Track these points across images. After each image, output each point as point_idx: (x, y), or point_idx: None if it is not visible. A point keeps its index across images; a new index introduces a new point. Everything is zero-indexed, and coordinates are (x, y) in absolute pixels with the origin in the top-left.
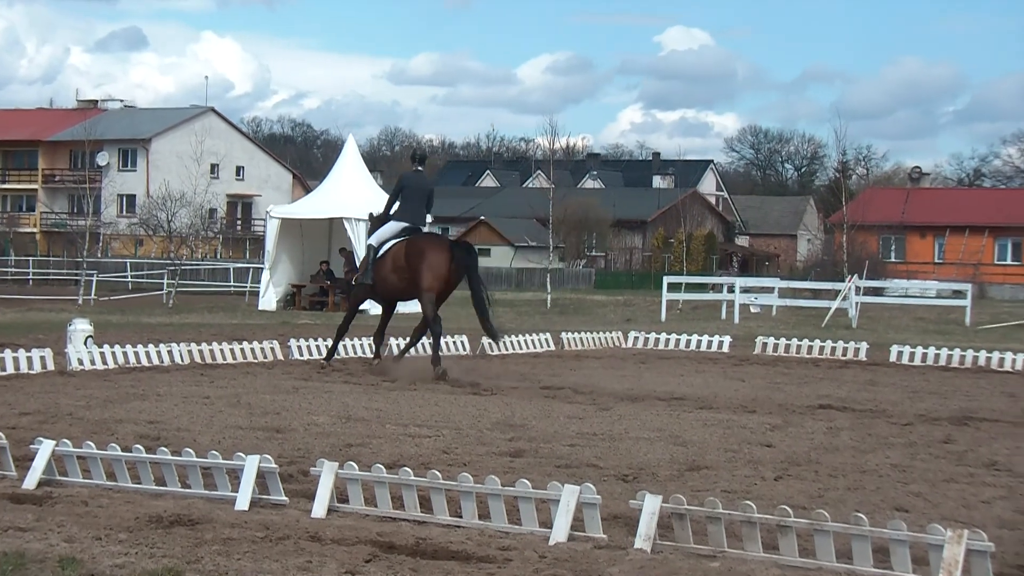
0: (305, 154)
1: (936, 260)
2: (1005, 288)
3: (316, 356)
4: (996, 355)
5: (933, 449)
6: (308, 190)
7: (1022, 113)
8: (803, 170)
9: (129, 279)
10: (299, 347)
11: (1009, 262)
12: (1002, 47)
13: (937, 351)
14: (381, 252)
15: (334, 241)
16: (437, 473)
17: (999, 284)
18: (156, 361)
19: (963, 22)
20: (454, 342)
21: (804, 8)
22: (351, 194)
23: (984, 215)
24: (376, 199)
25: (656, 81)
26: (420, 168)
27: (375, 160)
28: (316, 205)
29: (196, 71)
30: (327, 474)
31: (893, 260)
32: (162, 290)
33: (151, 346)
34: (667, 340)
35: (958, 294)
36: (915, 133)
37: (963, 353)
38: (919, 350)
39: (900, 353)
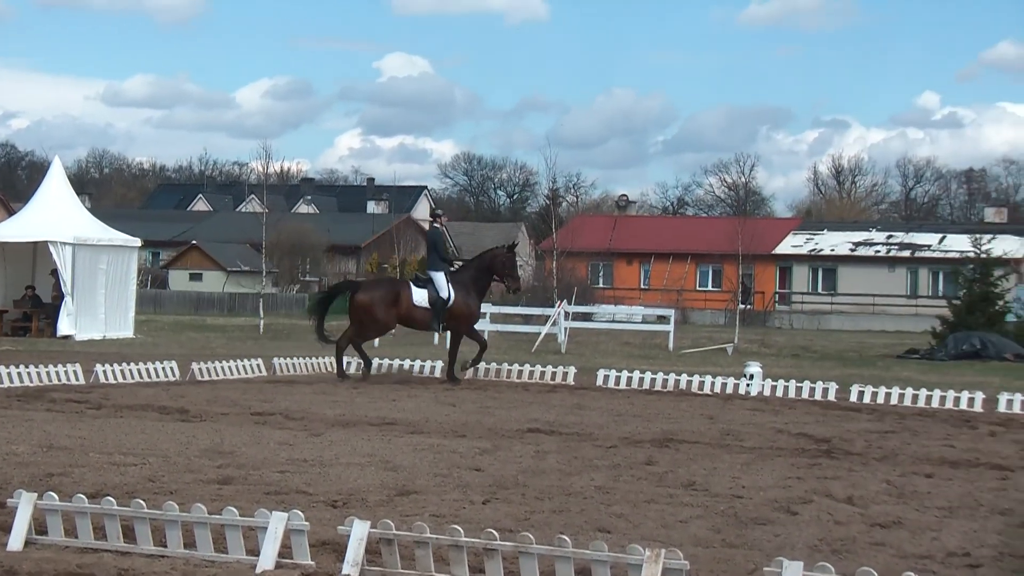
0: (8, 176)
1: (642, 286)
2: (706, 313)
3: (17, 383)
4: (696, 378)
5: (636, 471)
6: (11, 212)
7: (725, 144)
8: (515, 197)
9: None
10: (0, 374)
11: (710, 288)
12: (708, 80)
13: (641, 375)
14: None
15: (39, 265)
16: (141, 502)
17: (700, 309)
18: None
19: (674, 55)
20: (162, 367)
21: (522, 37)
22: (57, 217)
23: (687, 243)
24: (83, 222)
25: (375, 107)
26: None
27: (83, 183)
28: (20, 228)
29: None
30: (24, 505)
31: (601, 286)
32: None
33: None
34: (380, 365)
35: (662, 319)
36: (625, 162)
37: (665, 377)
38: (624, 374)
39: (607, 377)
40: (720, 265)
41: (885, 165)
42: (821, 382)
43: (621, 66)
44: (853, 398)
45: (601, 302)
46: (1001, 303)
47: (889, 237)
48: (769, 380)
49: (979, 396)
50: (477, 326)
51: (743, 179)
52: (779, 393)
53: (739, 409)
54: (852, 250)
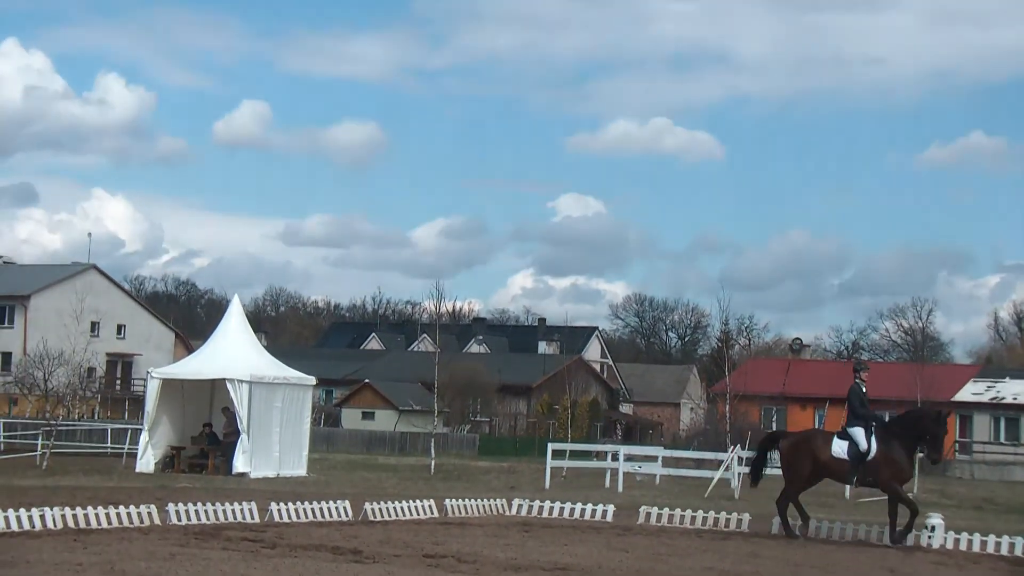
0: (188, 313)
1: None
2: None
3: (194, 521)
4: (876, 528)
5: None
6: (191, 350)
7: (901, 288)
8: (686, 339)
9: (1, 439)
10: (177, 511)
11: None
12: (886, 223)
13: (818, 523)
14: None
15: (216, 402)
16: None
17: None
18: (27, 526)
19: (851, 197)
20: (335, 507)
21: (696, 178)
22: (234, 355)
23: None
24: (259, 360)
25: (548, 247)
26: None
27: (260, 320)
28: (199, 365)
29: (86, 228)
30: None
31: (775, 431)
32: (36, 451)
33: (22, 510)
34: (551, 508)
35: None
36: (799, 305)
37: (843, 526)
38: (799, 522)
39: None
40: (896, 412)
41: None
42: (1007, 536)
43: (796, 207)
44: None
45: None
46: None
47: None
48: (952, 532)
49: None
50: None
51: (920, 324)
52: (963, 547)
53: (921, 562)
54: None
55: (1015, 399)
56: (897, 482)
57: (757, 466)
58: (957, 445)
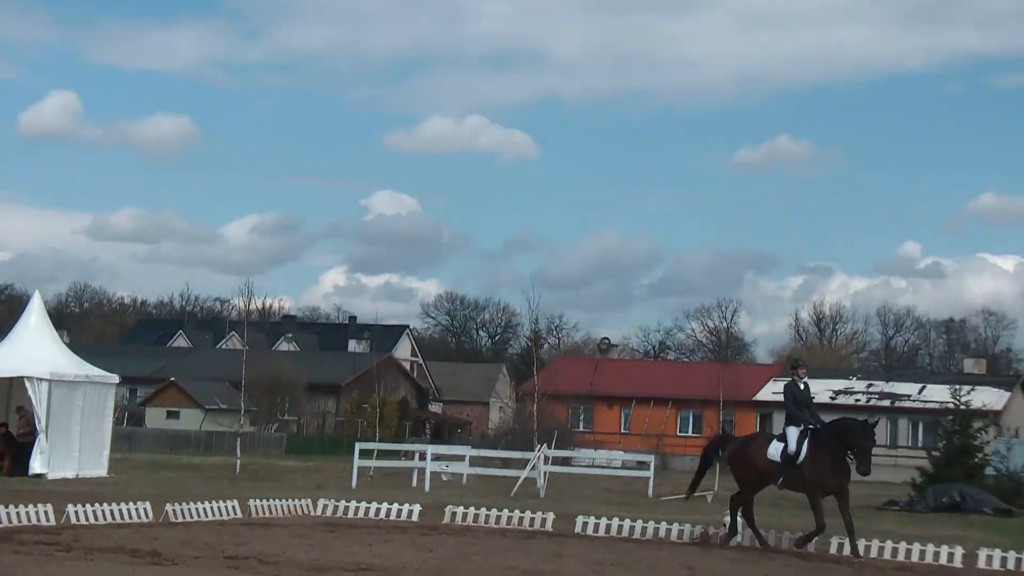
0: None
1: (622, 430)
2: (686, 459)
3: None
4: (676, 527)
5: None
6: None
7: (710, 288)
8: (497, 338)
9: None
10: None
11: (690, 433)
12: (696, 224)
13: (620, 522)
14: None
15: (14, 401)
16: None
17: (680, 455)
18: None
19: (662, 198)
20: (135, 508)
21: (511, 178)
22: (34, 352)
23: (668, 387)
24: (61, 358)
25: (362, 245)
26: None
27: (62, 317)
28: None
29: None
30: None
31: (582, 429)
32: None
33: None
34: (356, 508)
35: (642, 465)
36: (610, 305)
37: (645, 524)
38: (603, 521)
39: (585, 524)
40: (701, 410)
41: (866, 313)
42: (801, 531)
43: (609, 208)
44: (833, 550)
45: (581, 446)
46: (980, 456)
47: (869, 386)
48: (749, 529)
49: (959, 551)
50: None
51: (725, 324)
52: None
53: (719, 558)
54: (832, 398)
55: (813, 398)
56: (819, 489)
57: (699, 474)
58: None
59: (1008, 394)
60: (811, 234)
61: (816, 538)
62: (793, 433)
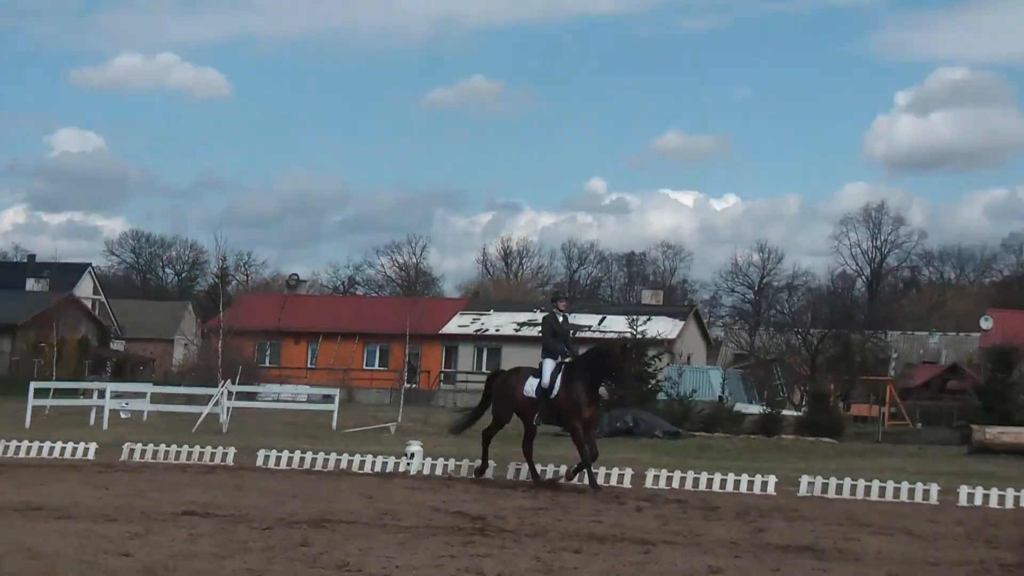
0: None
1: (309, 365)
2: (372, 392)
3: None
4: (357, 458)
5: (290, 552)
6: None
7: (401, 225)
8: (184, 275)
9: None
10: None
11: (376, 367)
12: (387, 162)
13: (302, 455)
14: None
15: None
16: None
17: (367, 388)
18: None
19: (353, 137)
20: None
21: (202, 116)
22: None
23: (355, 322)
24: None
25: (44, 182)
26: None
27: None
28: None
29: None
30: None
31: (268, 365)
32: None
33: None
34: (29, 447)
35: (327, 399)
36: (300, 242)
37: (326, 456)
38: (285, 454)
39: (267, 457)
40: (388, 344)
41: (552, 248)
42: (479, 460)
43: (301, 146)
44: (510, 475)
45: (268, 381)
46: (654, 382)
47: None
48: (430, 459)
49: (628, 472)
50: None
51: (414, 260)
52: (439, 471)
53: (398, 488)
54: (516, 330)
55: (498, 330)
56: (577, 420)
57: (477, 410)
58: (442, 375)
59: (682, 323)
60: (502, 172)
61: (585, 469)
62: (548, 366)
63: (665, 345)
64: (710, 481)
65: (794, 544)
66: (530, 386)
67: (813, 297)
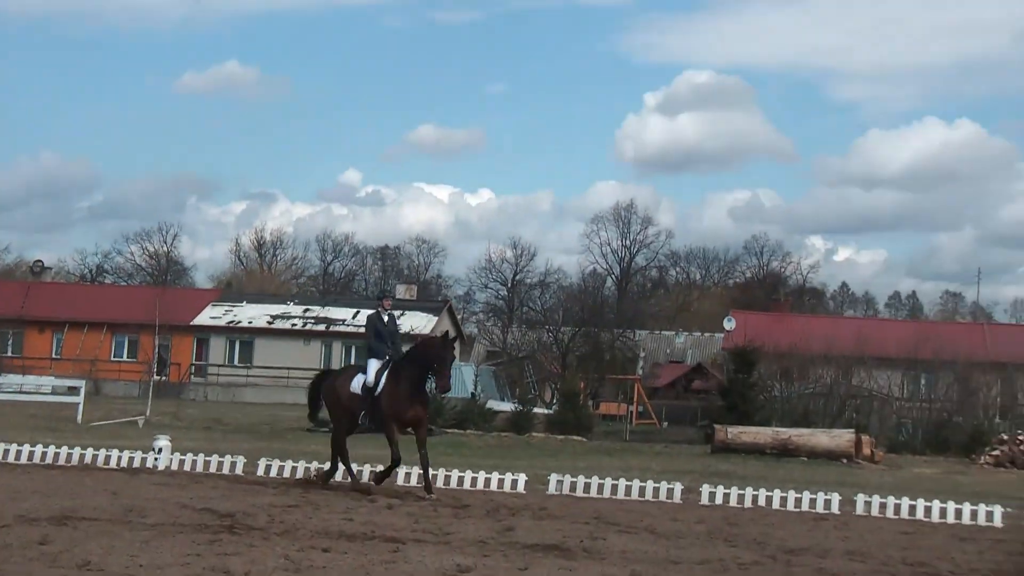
0: None
1: (54, 355)
2: (120, 384)
3: None
4: (103, 452)
5: (28, 551)
6: None
7: (153, 213)
8: None
9: None
10: None
11: (125, 358)
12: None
13: (44, 449)
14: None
15: None
16: None
17: (115, 380)
18: None
19: (104, 121)
20: None
21: None
22: None
23: (103, 311)
24: None
25: None
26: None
27: None
28: None
29: None
30: None
31: (11, 355)
32: None
33: None
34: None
35: (72, 390)
36: (46, 227)
37: (69, 451)
38: (25, 448)
39: (5, 451)
40: (137, 335)
41: (307, 239)
42: (230, 456)
43: (48, 128)
44: (260, 472)
45: (10, 372)
46: None
47: (306, 311)
48: (178, 454)
49: (379, 470)
50: None
51: (165, 249)
52: (187, 467)
53: (145, 484)
54: (269, 323)
55: (250, 323)
56: (396, 420)
57: (311, 407)
58: (193, 368)
59: (436, 318)
60: (256, 160)
61: (394, 471)
62: (373, 365)
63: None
64: (461, 479)
65: (542, 543)
66: (356, 383)
67: (565, 295)
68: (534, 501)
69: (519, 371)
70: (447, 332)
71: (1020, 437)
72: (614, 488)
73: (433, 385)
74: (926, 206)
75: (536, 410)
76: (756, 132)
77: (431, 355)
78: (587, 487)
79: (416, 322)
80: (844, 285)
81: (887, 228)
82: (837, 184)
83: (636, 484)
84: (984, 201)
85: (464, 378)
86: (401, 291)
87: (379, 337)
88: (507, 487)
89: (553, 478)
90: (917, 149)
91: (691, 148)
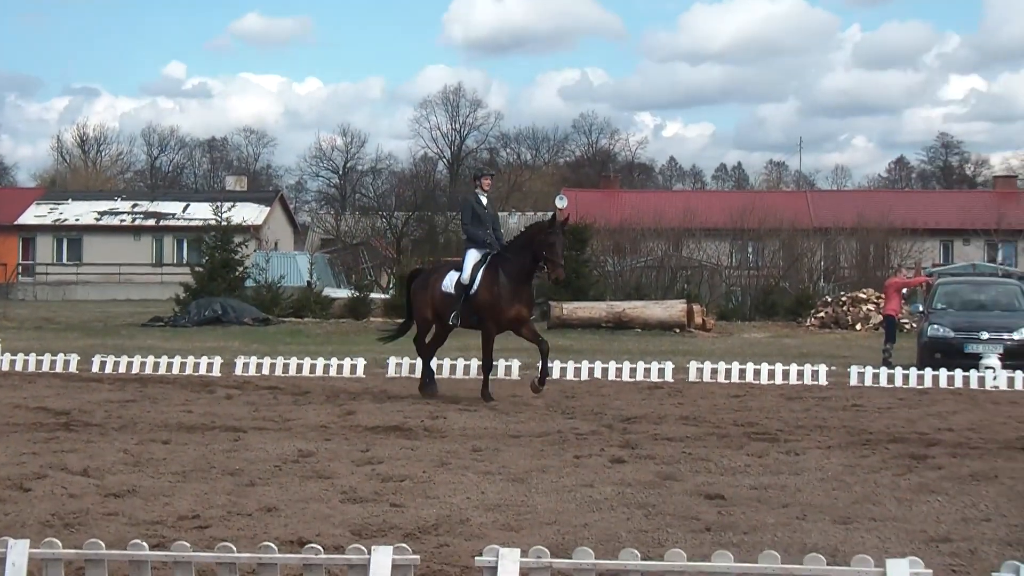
0: None
1: None
2: None
3: None
4: None
5: None
6: None
7: None
8: None
9: None
10: None
11: None
12: None
13: None
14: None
15: None
16: None
17: None
18: None
19: None
20: None
21: None
22: None
23: None
24: None
25: None
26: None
27: None
28: None
29: None
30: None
31: None
32: None
33: None
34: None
35: None
36: None
37: None
38: None
39: None
40: None
41: (132, 134)
42: (63, 354)
43: None
44: (95, 368)
45: None
46: (241, 269)
47: (134, 206)
48: (9, 355)
49: (218, 360)
50: None
51: None
52: (19, 367)
53: None
54: (97, 219)
55: (77, 220)
56: (494, 323)
57: (407, 321)
58: (20, 268)
59: (267, 209)
60: (77, 55)
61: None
62: (471, 258)
63: (251, 232)
64: (300, 366)
65: (383, 424)
66: (449, 281)
67: (397, 180)
68: (374, 385)
69: (354, 258)
70: (554, 215)
71: (843, 299)
72: (453, 368)
73: (547, 276)
74: (751, 79)
75: (373, 295)
76: (584, 11)
77: (538, 242)
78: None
79: (247, 213)
80: (672, 159)
81: (714, 102)
82: (665, 60)
83: (475, 363)
84: (806, 72)
85: (300, 267)
86: (231, 183)
87: (478, 222)
88: (347, 372)
89: (392, 361)
90: (741, 22)
91: (520, 29)
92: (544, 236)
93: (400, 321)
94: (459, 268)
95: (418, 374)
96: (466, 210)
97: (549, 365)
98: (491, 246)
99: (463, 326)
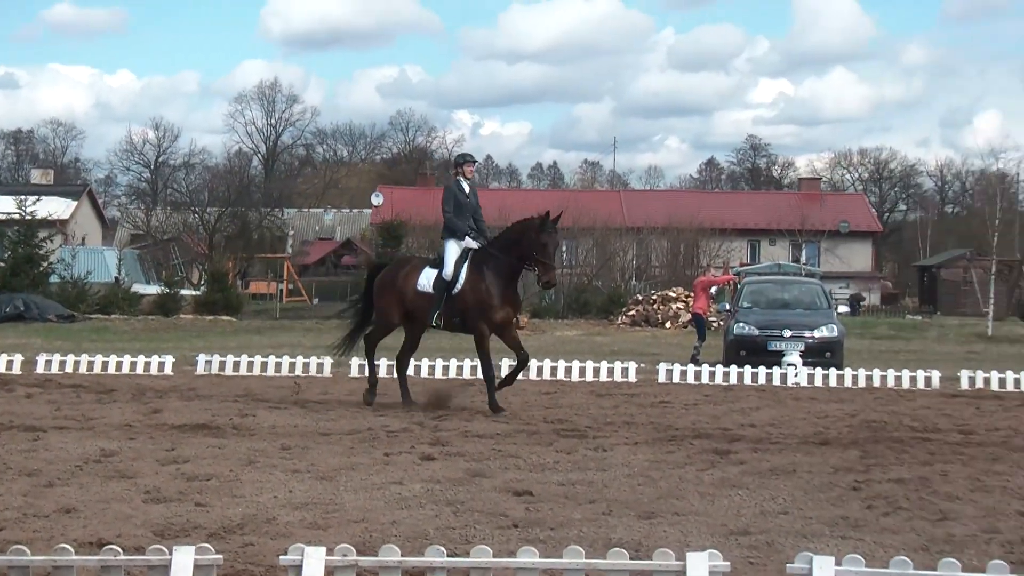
0: None
1: None
2: None
3: None
4: None
5: None
6: None
7: None
8: None
9: None
10: None
11: None
12: None
13: None
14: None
15: None
16: None
17: None
18: None
19: None
20: None
21: None
22: None
23: None
24: None
25: None
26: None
27: None
28: None
29: None
30: None
31: None
32: None
33: None
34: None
35: None
36: None
37: None
38: None
39: None
40: None
41: None
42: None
43: None
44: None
45: None
46: (45, 264)
47: None
48: None
49: (18, 358)
50: None
51: None
52: None
53: None
54: None
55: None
56: (485, 323)
57: (360, 320)
58: None
59: (75, 203)
60: None
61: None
62: (451, 252)
63: (58, 226)
64: (105, 364)
65: (190, 423)
66: (426, 279)
67: (210, 175)
68: (182, 382)
69: (165, 254)
70: (548, 212)
71: (654, 297)
72: (263, 366)
73: (537, 279)
74: (567, 78)
75: (184, 292)
76: (403, 7)
77: (528, 241)
78: (236, 366)
79: (54, 208)
80: (489, 158)
81: (531, 101)
82: (482, 58)
83: (286, 360)
84: (622, 73)
85: (108, 263)
86: (37, 176)
87: (460, 211)
88: (154, 370)
89: (201, 358)
90: (558, 22)
91: (339, 25)
92: (535, 236)
93: (349, 324)
94: (432, 264)
95: (227, 370)
96: (448, 198)
97: (519, 377)
98: (474, 238)
99: (444, 328)
